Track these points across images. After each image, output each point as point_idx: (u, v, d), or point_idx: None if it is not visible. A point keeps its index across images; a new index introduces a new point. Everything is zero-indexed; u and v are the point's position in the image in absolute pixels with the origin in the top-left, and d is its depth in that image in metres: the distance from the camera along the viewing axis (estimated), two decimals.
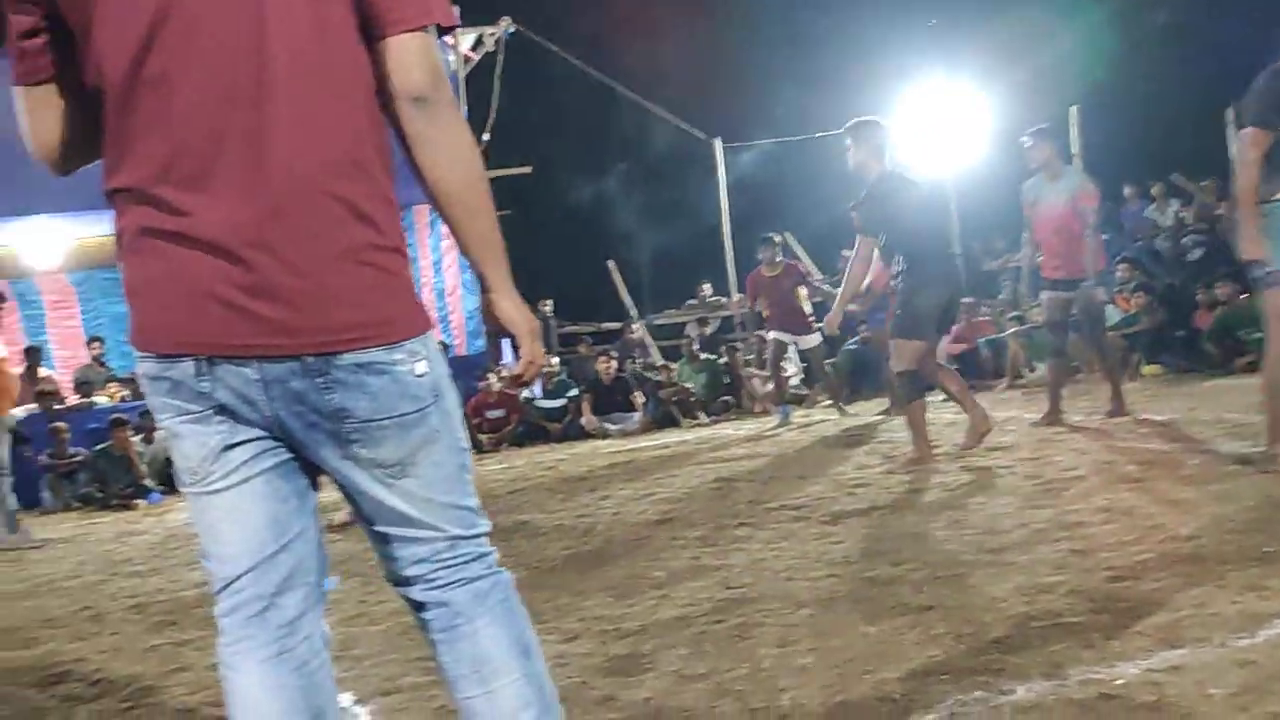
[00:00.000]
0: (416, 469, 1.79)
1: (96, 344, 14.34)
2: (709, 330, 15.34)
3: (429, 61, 1.71)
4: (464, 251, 1.83)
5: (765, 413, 12.69)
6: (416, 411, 1.77)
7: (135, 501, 10.90)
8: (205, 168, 1.66)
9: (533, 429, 12.55)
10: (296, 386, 1.71)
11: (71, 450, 11.69)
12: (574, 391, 12.82)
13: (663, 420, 12.63)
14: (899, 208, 6.64)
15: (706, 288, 15.78)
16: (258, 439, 1.78)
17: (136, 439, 11.59)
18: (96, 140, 1.77)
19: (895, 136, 7.06)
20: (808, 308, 11.36)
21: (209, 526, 1.82)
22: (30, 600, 5.81)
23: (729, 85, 17.06)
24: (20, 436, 10.04)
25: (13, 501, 8.63)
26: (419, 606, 1.88)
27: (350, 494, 1.83)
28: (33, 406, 12.33)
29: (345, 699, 3.20)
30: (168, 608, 5.08)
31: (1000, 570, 3.80)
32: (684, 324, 15.37)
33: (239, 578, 1.81)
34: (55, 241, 13.95)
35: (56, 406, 12.43)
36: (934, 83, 15.07)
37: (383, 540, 1.86)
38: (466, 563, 1.86)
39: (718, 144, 15.43)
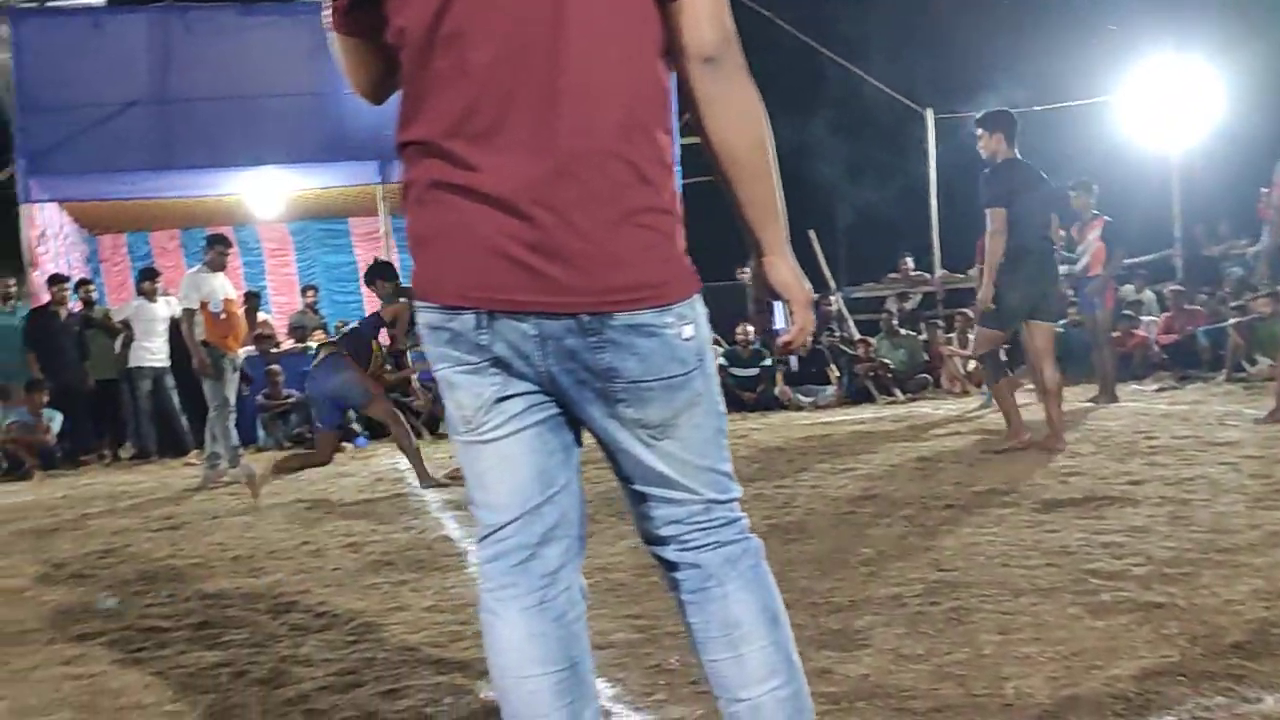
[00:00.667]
0: (678, 431, 1.80)
1: (311, 292, 14.95)
2: (909, 305, 15.05)
3: (720, 21, 1.70)
4: (740, 214, 1.81)
5: (965, 393, 12.41)
6: (683, 374, 1.77)
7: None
8: (496, 125, 1.69)
9: (727, 397, 12.53)
10: (570, 344, 1.73)
11: (285, 392, 12.27)
12: (768, 361, 12.75)
13: (857, 395, 12.48)
14: (1011, 194, 6.80)
15: (909, 261, 15.45)
16: (529, 393, 1.81)
17: None
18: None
19: (1018, 127, 7.12)
20: None
21: (478, 475, 1.86)
22: (254, 532, 6.12)
23: (944, 55, 16.62)
24: (245, 376, 10.60)
25: (235, 437, 9.12)
26: (670, 566, 1.88)
27: (611, 452, 1.85)
28: (251, 349, 12.96)
29: None
30: (382, 549, 5.28)
31: (1233, 572, 3.62)
32: (883, 298, 15.10)
33: (504, 526, 1.84)
34: (277, 192, 14.56)
35: (273, 350, 13.02)
36: (1162, 58, 14.36)
37: (639, 499, 1.87)
38: (720, 526, 1.85)
39: (929, 114, 15.07)
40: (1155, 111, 14.40)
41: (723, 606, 1.84)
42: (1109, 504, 5.01)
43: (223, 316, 8.92)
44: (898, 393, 12.55)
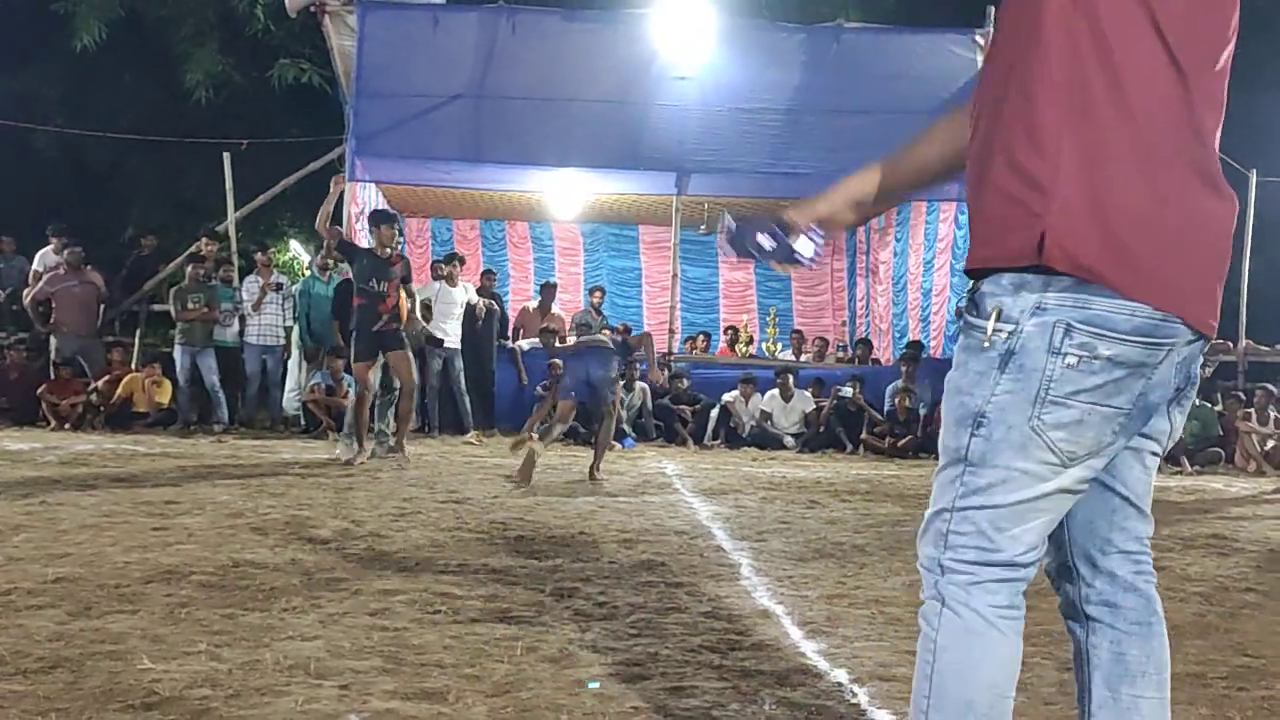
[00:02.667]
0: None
1: (599, 293, 15.36)
2: (1207, 373, 14.22)
3: None
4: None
5: (1260, 473, 11.62)
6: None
7: (613, 443, 11.64)
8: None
9: None
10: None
11: None
12: None
13: None
14: None
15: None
16: None
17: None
18: None
19: None
20: None
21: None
22: (533, 515, 6.36)
23: (1273, 115, 15.58)
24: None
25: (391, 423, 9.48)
26: (1117, 590, 1.90)
27: (1130, 462, 1.89)
28: (535, 341, 13.47)
29: (840, 675, 3.27)
30: (655, 549, 5.40)
31: None
32: None
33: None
34: (576, 193, 15.07)
35: (556, 344, 13.48)
36: None
37: (1123, 508, 1.90)
38: (1151, 560, 1.93)
39: (1253, 175, 14.21)
40: None
41: (1160, 645, 1.89)
42: None
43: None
44: (1185, 463, 11.88)
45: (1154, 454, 1.89)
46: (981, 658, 1.77)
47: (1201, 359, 1.83)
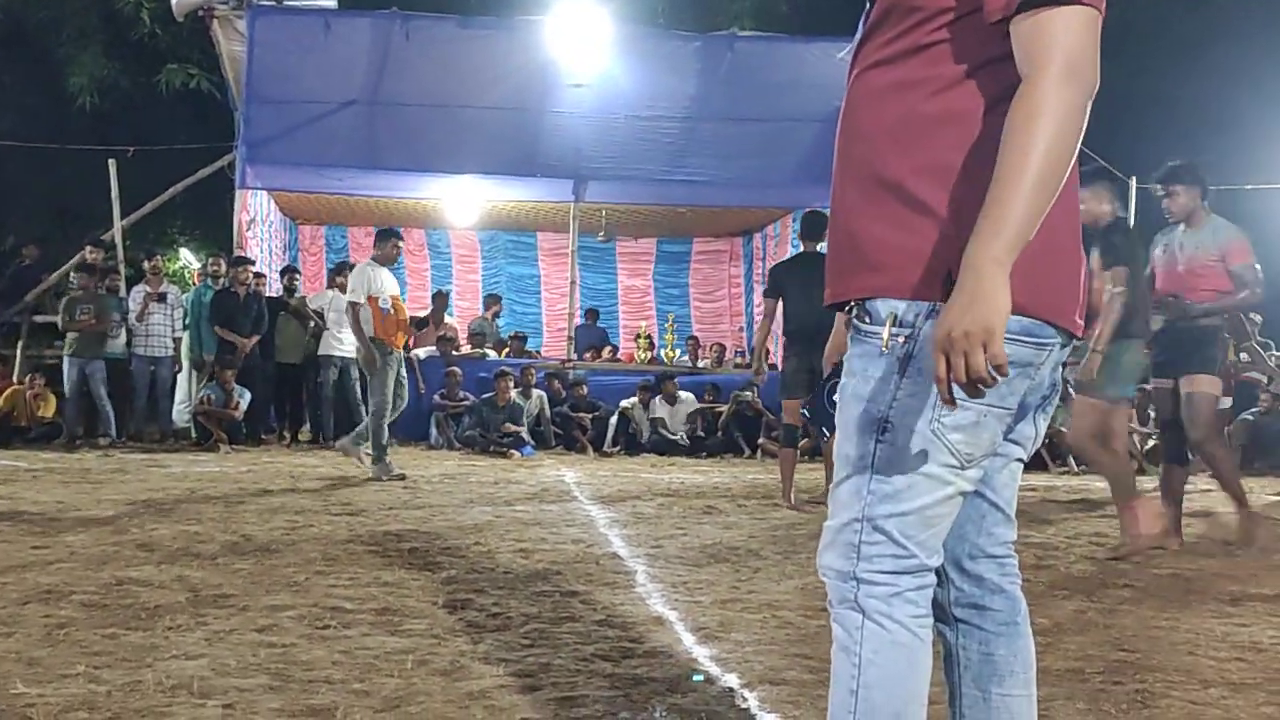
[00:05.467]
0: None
1: (495, 303, 15.30)
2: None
3: None
4: None
5: (1141, 472, 11.97)
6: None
7: (511, 451, 11.62)
8: None
9: None
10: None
11: (461, 394, 12.60)
12: None
13: (1029, 461, 12.14)
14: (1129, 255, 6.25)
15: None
16: None
17: (514, 392, 12.35)
18: None
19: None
20: None
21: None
22: (427, 526, 6.31)
23: (1150, 124, 16.11)
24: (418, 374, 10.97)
25: (385, 437, 9.19)
26: (985, 592, 1.94)
27: (998, 467, 1.92)
28: (433, 349, 13.37)
29: (731, 680, 3.30)
30: (551, 557, 5.39)
31: None
32: (1063, 365, 14.69)
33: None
34: (472, 201, 14.99)
35: (453, 352, 13.40)
36: None
37: (991, 513, 1.94)
38: (1016, 563, 1.98)
39: (1133, 183, 14.66)
40: None
41: (1026, 645, 1.94)
42: None
43: (390, 312, 9.03)
44: (1073, 463, 12.19)
45: (1019, 460, 1.94)
46: (908, 669, 1.78)
47: (1063, 365, 1.88)
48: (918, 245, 1.69)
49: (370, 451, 9.00)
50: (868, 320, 1.79)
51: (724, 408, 13.16)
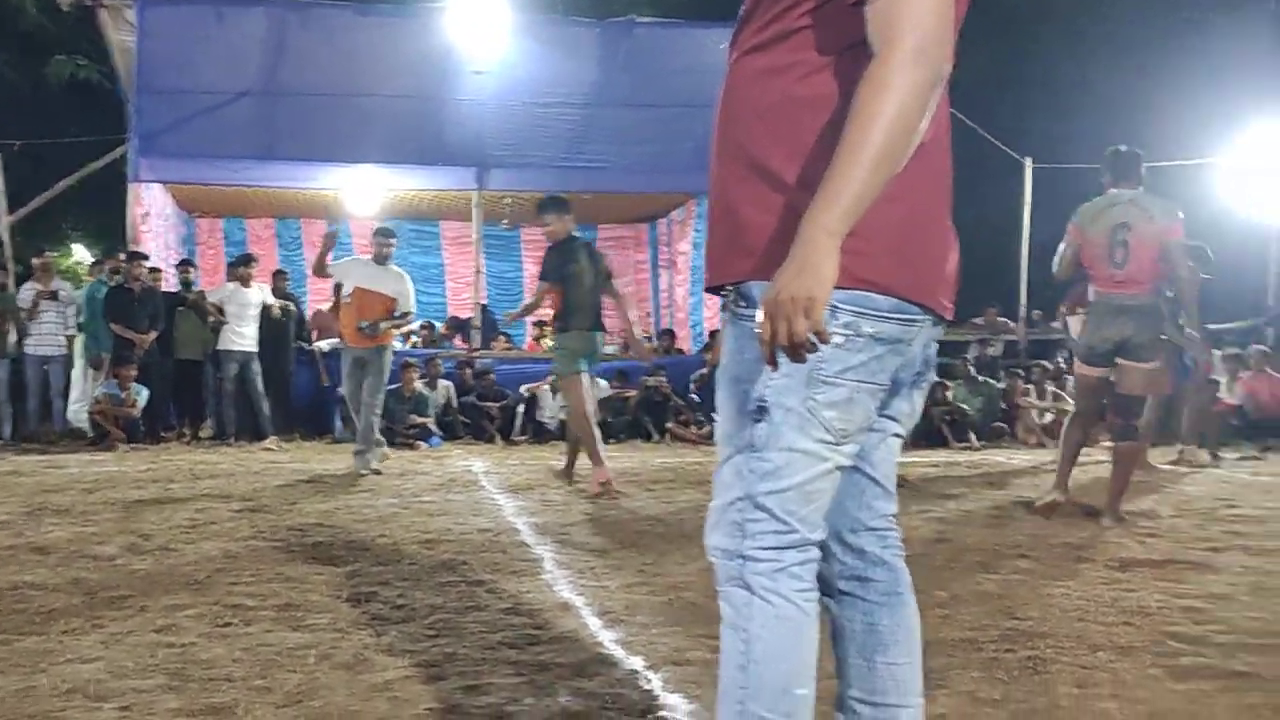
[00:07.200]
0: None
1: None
2: (990, 353, 14.93)
3: None
4: None
5: (1040, 445, 12.28)
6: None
7: (418, 442, 11.54)
8: None
9: None
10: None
11: None
12: None
13: (931, 438, 12.39)
14: None
15: (995, 310, 15.33)
16: None
17: (420, 383, 12.25)
18: None
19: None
20: None
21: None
22: (332, 520, 6.25)
23: (1045, 105, 16.48)
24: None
25: (361, 428, 9.16)
26: (867, 565, 1.99)
27: (875, 442, 1.96)
28: (336, 340, 13.19)
29: (636, 663, 3.33)
30: (456, 548, 5.37)
31: None
32: (965, 343, 14.99)
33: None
34: (374, 190, 14.81)
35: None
36: (1266, 124, 14.12)
37: (870, 488, 1.99)
38: (898, 535, 2.04)
39: (1028, 164, 14.97)
40: (1258, 178, 14.17)
41: (909, 614, 1.99)
42: (1188, 568, 4.96)
43: (347, 304, 9.07)
44: (973, 439, 12.45)
45: (897, 435, 1.98)
46: (796, 642, 1.82)
47: (936, 344, 1.93)
48: (788, 228, 1.70)
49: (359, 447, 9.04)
50: (743, 304, 1.82)
51: (632, 393, 13.20)
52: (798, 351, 1.64)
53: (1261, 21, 18.21)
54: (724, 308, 1.90)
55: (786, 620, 1.80)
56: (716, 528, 1.85)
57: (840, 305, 1.73)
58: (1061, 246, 6.75)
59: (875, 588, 1.98)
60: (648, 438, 12.88)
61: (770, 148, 1.78)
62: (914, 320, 1.80)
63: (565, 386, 8.27)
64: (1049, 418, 12.92)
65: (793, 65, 1.77)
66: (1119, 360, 6.39)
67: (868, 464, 1.96)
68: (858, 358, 1.77)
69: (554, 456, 10.88)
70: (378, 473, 8.78)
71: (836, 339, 1.74)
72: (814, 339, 1.63)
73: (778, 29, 1.79)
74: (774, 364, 1.69)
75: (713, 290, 1.92)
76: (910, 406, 1.97)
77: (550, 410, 13.02)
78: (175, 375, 12.27)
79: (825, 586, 1.99)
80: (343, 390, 9.19)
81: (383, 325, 9.00)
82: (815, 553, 1.85)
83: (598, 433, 8.02)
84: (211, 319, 12.04)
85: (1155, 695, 3.05)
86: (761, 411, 1.79)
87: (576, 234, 8.50)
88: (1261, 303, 14.97)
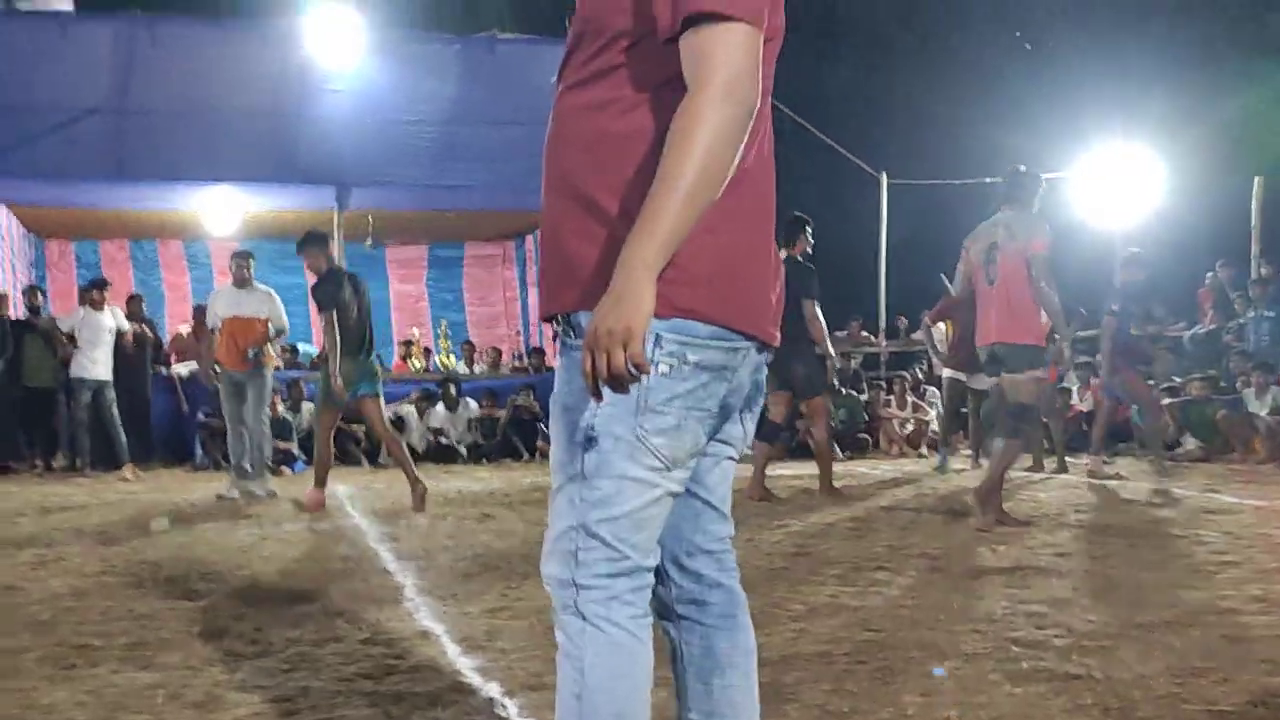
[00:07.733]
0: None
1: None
2: (853, 366, 15.25)
3: None
4: None
5: (902, 455, 12.59)
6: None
7: (281, 468, 11.32)
8: None
9: None
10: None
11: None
12: None
13: (795, 450, 12.59)
14: None
15: (857, 323, 15.68)
16: None
17: (282, 408, 12.03)
18: None
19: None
20: None
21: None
22: (188, 553, 6.10)
23: (900, 120, 16.94)
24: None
25: (245, 453, 9.17)
26: (703, 588, 2.01)
27: (708, 467, 1.99)
28: (193, 364, 12.87)
29: (493, 689, 3.32)
30: (316, 578, 5.30)
31: (1148, 648, 3.74)
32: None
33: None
34: (232, 210, 14.52)
35: (214, 369, 12.91)
36: (1110, 143, 14.75)
37: (705, 512, 2.01)
38: (734, 557, 2.07)
39: (884, 178, 15.34)
40: (1103, 192, 14.78)
41: (745, 637, 2.02)
42: (1035, 574, 5.14)
43: (217, 332, 9.23)
44: (837, 450, 12.68)
45: (730, 459, 2.02)
46: (630, 669, 1.83)
47: (765, 370, 1.98)
48: (611, 259, 1.72)
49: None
50: (572, 335, 1.85)
51: (501, 413, 13.15)
52: (619, 383, 1.67)
53: (1097, 51, 18.96)
54: (554, 337, 1.93)
55: (620, 647, 1.82)
56: (551, 557, 1.87)
57: (663, 334, 1.76)
58: (959, 266, 7.24)
59: (712, 610, 2.00)
60: (518, 457, 12.84)
61: (593, 180, 1.81)
62: (737, 348, 1.84)
63: (318, 414, 8.50)
64: (910, 428, 13.25)
65: (613, 101, 1.81)
66: (1004, 374, 6.67)
67: (702, 488, 1.98)
68: (684, 385, 1.80)
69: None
70: (269, 497, 8.84)
71: (662, 368, 1.76)
72: (634, 369, 1.66)
73: (597, 65, 1.82)
74: (598, 396, 1.71)
75: (547, 320, 1.94)
76: (741, 430, 2.00)
77: (418, 432, 12.91)
78: (25, 404, 11.83)
79: (663, 611, 2.01)
80: (225, 413, 9.25)
81: (267, 347, 9.17)
82: (649, 579, 1.87)
83: (332, 461, 8.48)
84: (61, 350, 11.63)
85: (994, 700, 3.15)
86: (590, 441, 1.80)
87: (338, 265, 8.63)
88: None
